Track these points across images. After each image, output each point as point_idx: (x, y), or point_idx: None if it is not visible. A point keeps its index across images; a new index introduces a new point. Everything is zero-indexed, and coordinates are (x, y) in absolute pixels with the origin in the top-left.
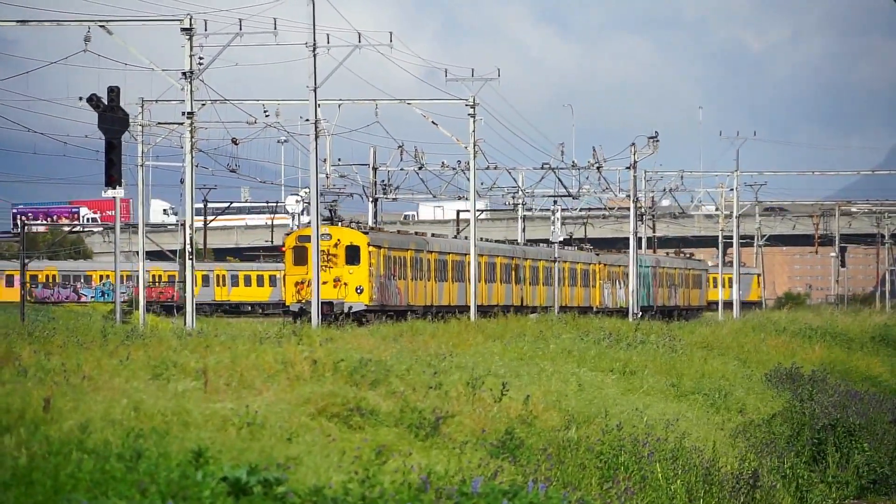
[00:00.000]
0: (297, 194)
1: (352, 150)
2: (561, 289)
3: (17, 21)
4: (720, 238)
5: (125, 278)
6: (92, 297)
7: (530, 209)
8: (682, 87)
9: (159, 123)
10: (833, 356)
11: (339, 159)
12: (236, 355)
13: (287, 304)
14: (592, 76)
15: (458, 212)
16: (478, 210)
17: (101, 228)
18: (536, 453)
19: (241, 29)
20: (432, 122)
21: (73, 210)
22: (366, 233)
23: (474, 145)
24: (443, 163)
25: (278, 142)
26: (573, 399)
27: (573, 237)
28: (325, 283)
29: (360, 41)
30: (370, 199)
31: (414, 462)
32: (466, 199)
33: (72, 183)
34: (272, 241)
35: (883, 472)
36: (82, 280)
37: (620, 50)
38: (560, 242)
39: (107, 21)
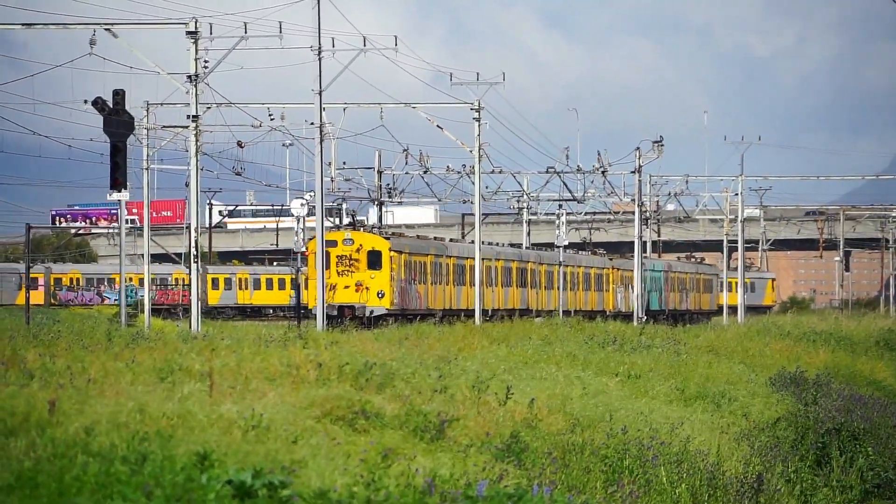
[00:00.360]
0: (303, 198)
1: (357, 153)
2: (575, 293)
3: (23, 24)
4: (725, 242)
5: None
6: (115, 299)
7: (535, 213)
8: (688, 91)
9: (164, 127)
10: (837, 360)
11: (345, 163)
12: (241, 358)
13: (310, 307)
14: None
15: (464, 215)
16: (482, 214)
17: (106, 231)
18: (541, 457)
19: (246, 32)
20: (437, 125)
21: (112, 212)
22: (387, 238)
23: (479, 149)
24: (448, 166)
25: (283, 145)
26: (578, 403)
27: (586, 242)
28: (347, 287)
29: (365, 45)
30: (375, 203)
31: (419, 465)
32: (470, 202)
33: (77, 186)
34: (277, 245)
35: (887, 476)
36: (106, 283)
37: (626, 54)
38: (574, 247)
39: (112, 24)
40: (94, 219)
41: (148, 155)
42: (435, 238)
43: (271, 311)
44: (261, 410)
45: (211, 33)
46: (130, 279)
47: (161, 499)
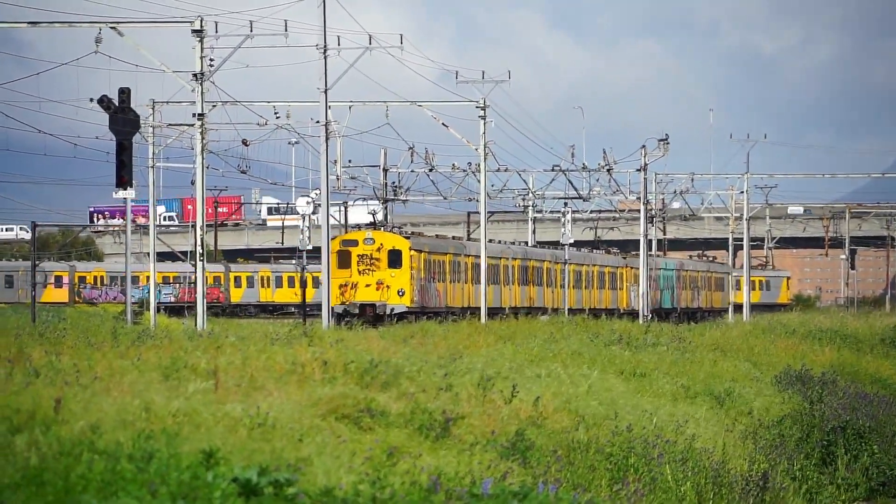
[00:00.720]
0: (308, 196)
1: (362, 151)
2: (590, 291)
3: (29, 22)
4: (730, 240)
5: (172, 279)
6: (140, 297)
7: (540, 211)
8: (694, 89)
9: (170, 125)
10: (843, 358)
11: (350, 161)
12: (247, 356)
13: (331, 305)
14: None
15: (469, 213)
16: (487, 212)
17: (113, 229)
18: (546, 455)
19: (251, 31)
20: (443, 124)
21: (147, 210)
22: (408, 237)
23: (485, 147)
24: (453, 165)
25: (289, 143)
26: (583, 401)
27: (599, 240)
28: (368, 285)
29: (370, 43)
30: (380, 201)
31: (424, 463)
32: (476, 200)
33: (83, 184)
34: (283, 243)
35: (892, 474)
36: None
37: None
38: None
39: (118, 22)
40: (133, 216)
41: (153, 153)
42: (453, 237)
43: (293, 308)
44: (266, 408)
45: (217, 31)
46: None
47: (167, 496)
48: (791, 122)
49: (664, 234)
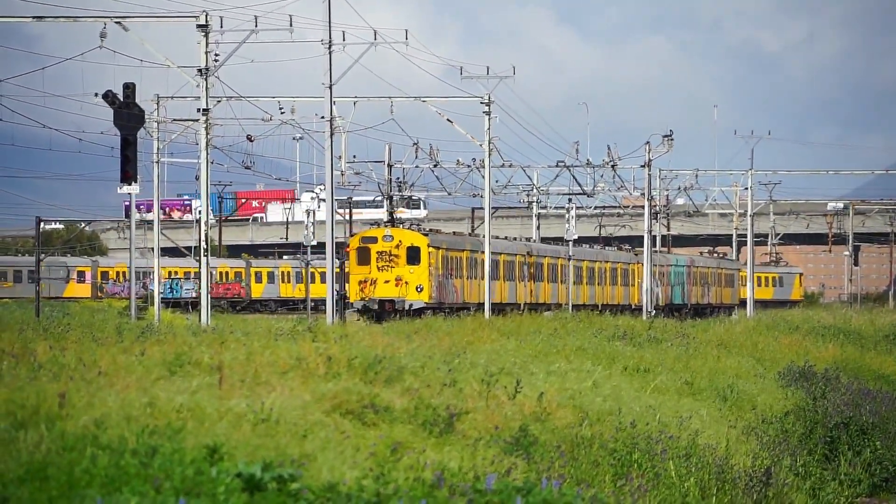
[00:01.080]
0: (312, 191)
1: (367, 147)
2: (602, 287)
3: (33, 17)
4: (734, 237)
5: (193, 274)
6: (161, 292)
7: (545, 207)
8: (698, 86)
9: (175, 120)
10: (846, 355)
11: (355, 156)
12: (251, 352)
13: (351, 301)
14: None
15: (473, 209)
16: (492, 207)
17: (116, 224)
18: (550, 450)
19: (256, 26)
20: (447, 119)
21: (185, 203)
22: (426, 234)
23: (489, 143)
24: (458, 160)
25: (293, 139)
26: (587, 396)
27: (611, 237)
28: (387, 281)
29: (375, 39)
30: (385, 197)
31: (428, 459)
32: (479, 195)
33: (87, 179)
34: (287, 238)
35: (895, 470)
36: (151, 276)
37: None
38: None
39: (123, 17)
40: (166, 210)
41: (158, 148)
42: (470, 234)
43: (313, 303)
44: (270, 404)
45: (221, 27)
46: (176, 272)
47: (170, 492)
48: (795, 118)
49: (668, 230)
